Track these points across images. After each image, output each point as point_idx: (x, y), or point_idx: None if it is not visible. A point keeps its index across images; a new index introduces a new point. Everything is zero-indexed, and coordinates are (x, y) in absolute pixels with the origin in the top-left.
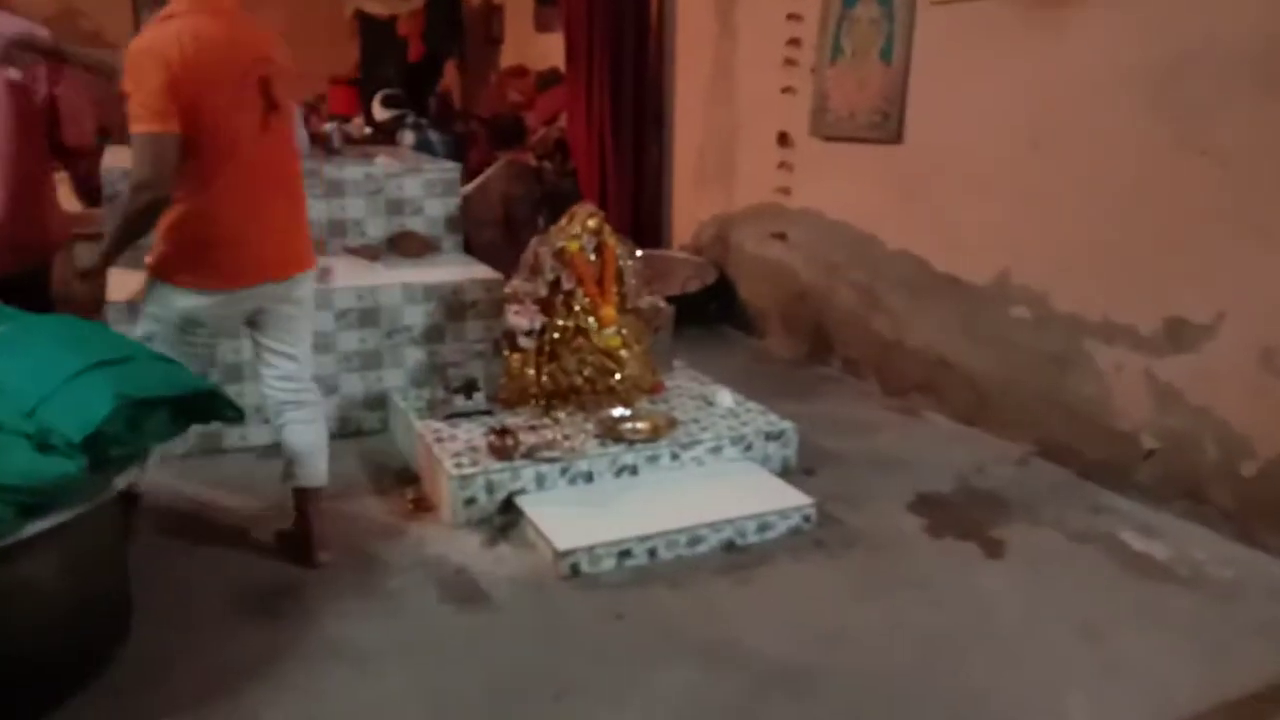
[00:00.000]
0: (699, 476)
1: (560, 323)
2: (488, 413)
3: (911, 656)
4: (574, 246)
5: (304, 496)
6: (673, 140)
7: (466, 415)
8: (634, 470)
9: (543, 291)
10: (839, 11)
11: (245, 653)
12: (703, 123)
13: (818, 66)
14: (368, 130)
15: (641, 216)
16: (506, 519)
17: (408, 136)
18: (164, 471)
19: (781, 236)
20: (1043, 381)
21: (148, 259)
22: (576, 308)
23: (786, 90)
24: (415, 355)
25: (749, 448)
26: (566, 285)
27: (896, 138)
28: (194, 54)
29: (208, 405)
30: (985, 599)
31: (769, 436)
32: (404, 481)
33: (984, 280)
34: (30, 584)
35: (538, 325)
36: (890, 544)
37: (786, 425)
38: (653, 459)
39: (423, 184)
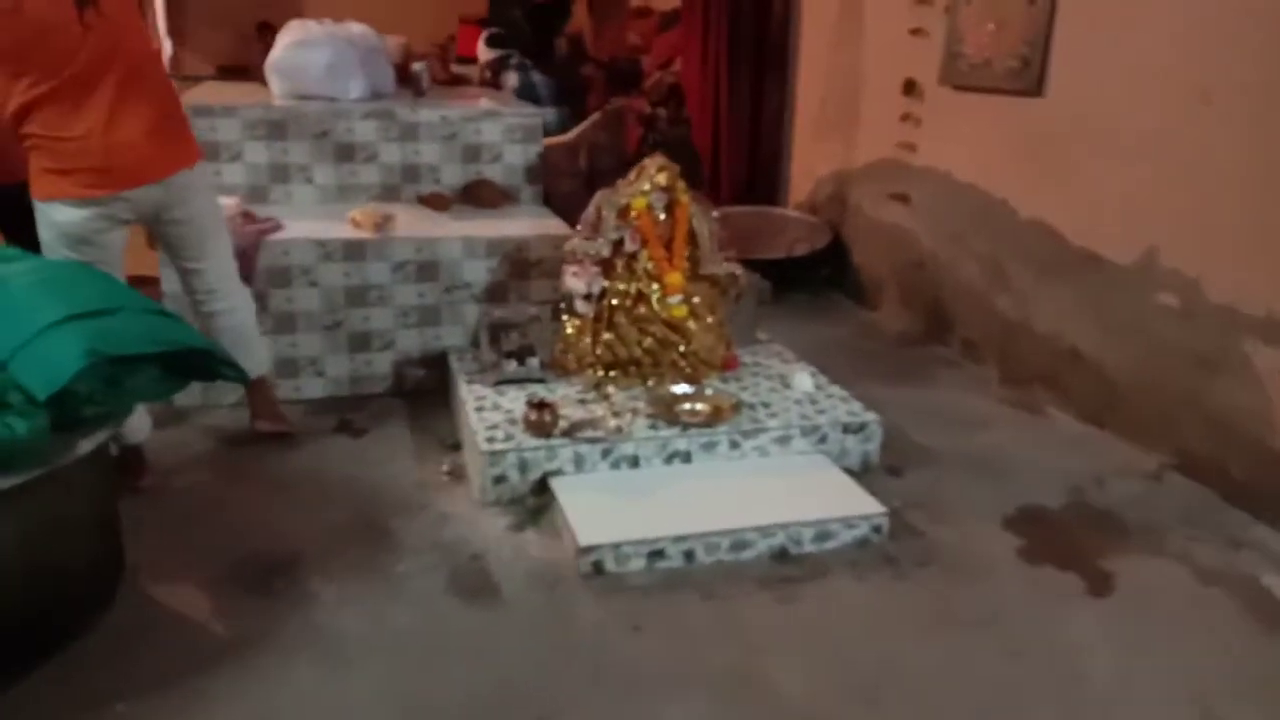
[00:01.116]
0: (759, 470)
1: (621, 287)
2: (541, 381)
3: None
4: (641, 203)
5: (247, 387)
6: (795, 87)
7: (517, 382)
8: (686, 457)
9: (604, 252)
10: None
11: (226, 632)
12: (826, 68)
13: (951, 5)
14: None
15: (757, 170)
16: (539, 502)
17: (511, 78)
18: (206, 420)
19: (903, 198)
20: (1187, 383)
21: None
22: (640, 271)
23: (916, 32)
24: (475, 313)
25: (823, 440)
26: (630, 246)
27: (1036, 89)
28: None
29: (202, 363)
30: (1077, 650)
31: (847, 429)
32: (447, 449)
33: (1127, 259)
34: None
35: (596, 289)
36: (973, 567)
37: (869, 417)
38: (709, 446)
39: (502, 129)
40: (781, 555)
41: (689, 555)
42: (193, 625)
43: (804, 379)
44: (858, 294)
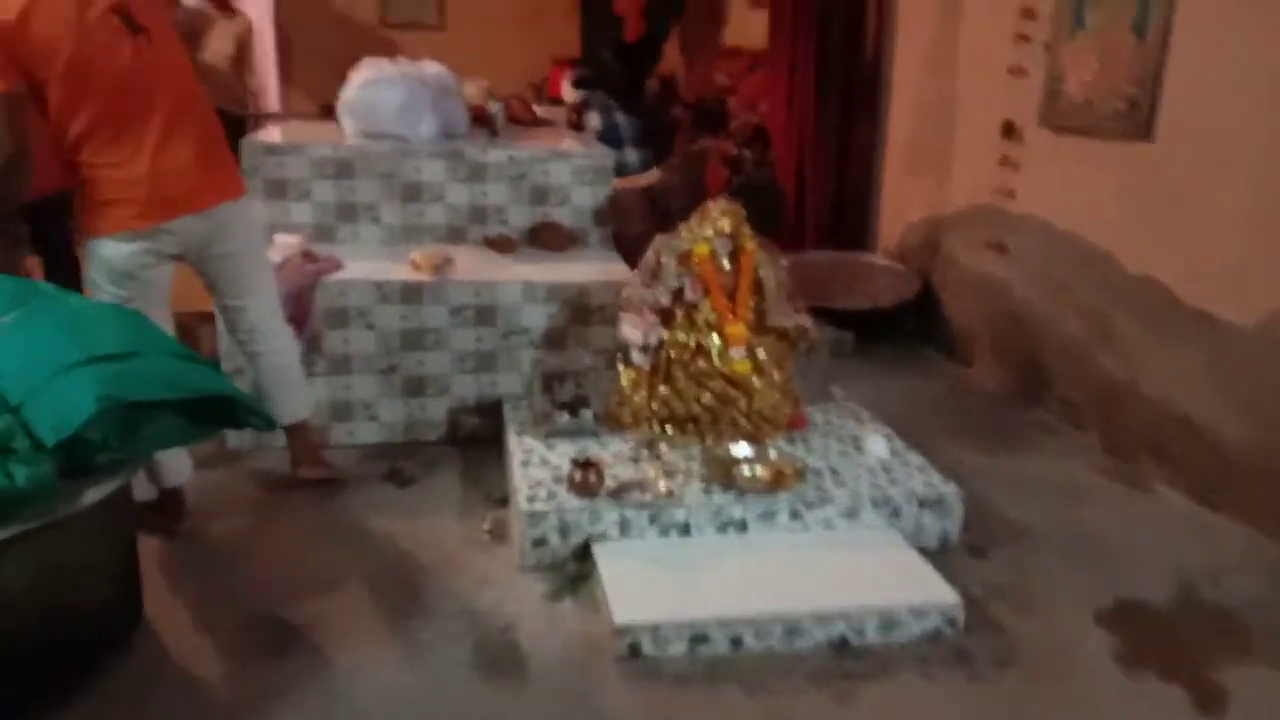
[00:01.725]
0: (822, 546)
1: (679, 338)
2: (593, 435)
3: None
4: (702, 250)
5: (289, 430)
6: (886, 129)
7: (569, 435)
8: (742, 527)
9: (663, 301)
10: None
11: (234, 694)
12: (919, 108)
13: (1053, 42)
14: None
15: (844, 214)
16: (581, 569)
17: (594, 119)
18: (255, 463)
19: (999, 247)
20: None
21: None
22: (700, 322)
23: (1015, 71)
24: (533, 360)
25: (896, 514)
26: (691, 295)
27: (1145, 132)
28: (23, 4)
29: (227, 410)
30: None
31: (923, 502)
32: (492, 504)
33: (1247, 321)
34: None
35: (654, 340)
36: (1061, 671)
37: (948, 490)
38: (767, 516)
39: (571, 171)
40: (841, 646)
41: (736, 642)
42: (202, 684)
43: (878, 443)
44: (949, 348)
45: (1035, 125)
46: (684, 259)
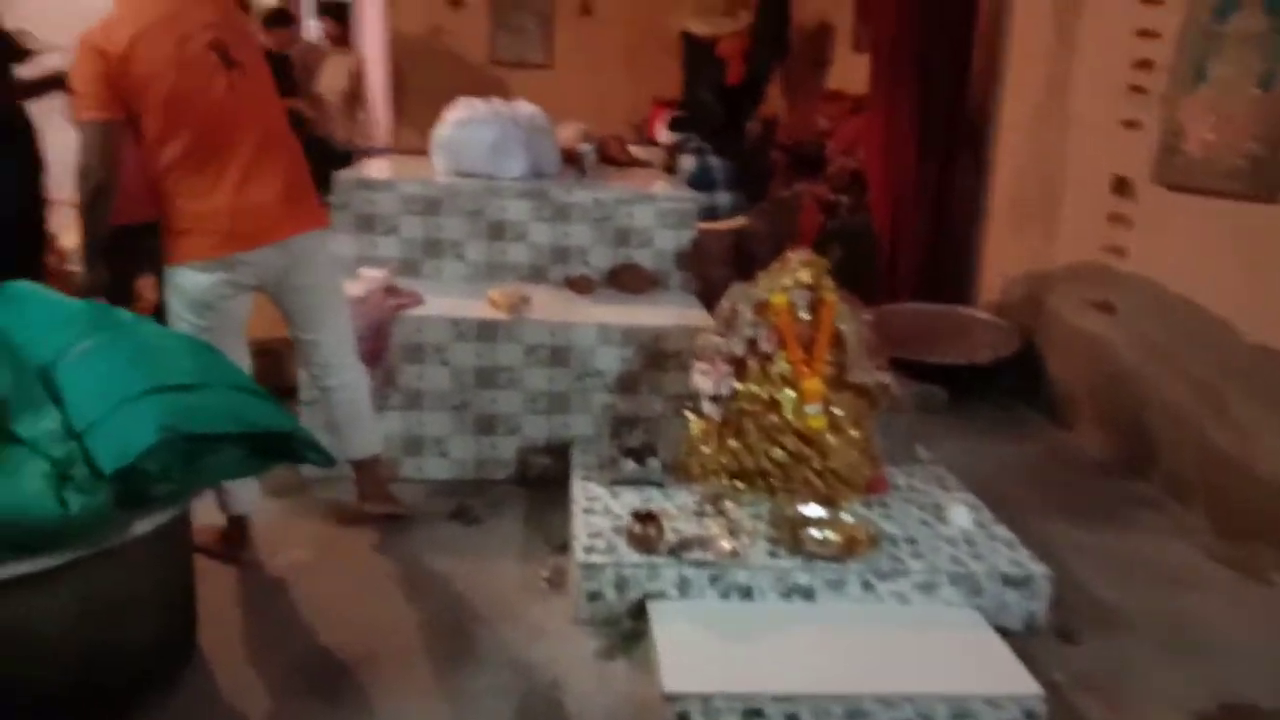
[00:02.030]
0: (894, 621)
1: (751, 389)
2: (659, 485)
3: None
4: (780, 300)
5: (357, 465)
6: (990, 178)
7: (634, 484)
8: (809, 594)
9: (737, 351)
10: (1206, 25)
11: None
12: (1026, 159)
13: (1170, 95)
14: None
15: (942, 264)
16: (636, 627)
17: (687, 162)
18: (327, 492)
19: (1107, 307)
20: None
21: None
22: (775, 375)
23: (1129, 124)
24: (605, 403)
25: (976, 591)
26: (765, 347)
27: (1270, 194)
28: (128, 39)
29: (286, 445)
30: None
31: (1008, 580)
32: (553, 550)
33: None
34: (23, 626)
35: (725, 390)
36: None
37: (1037, 570)
38: (836, 584)
39: (655, 213)
40: None
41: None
42: None
43: (961, 513)
44: (1050, 410)
45: (1149, 181)
46: (760, 309)
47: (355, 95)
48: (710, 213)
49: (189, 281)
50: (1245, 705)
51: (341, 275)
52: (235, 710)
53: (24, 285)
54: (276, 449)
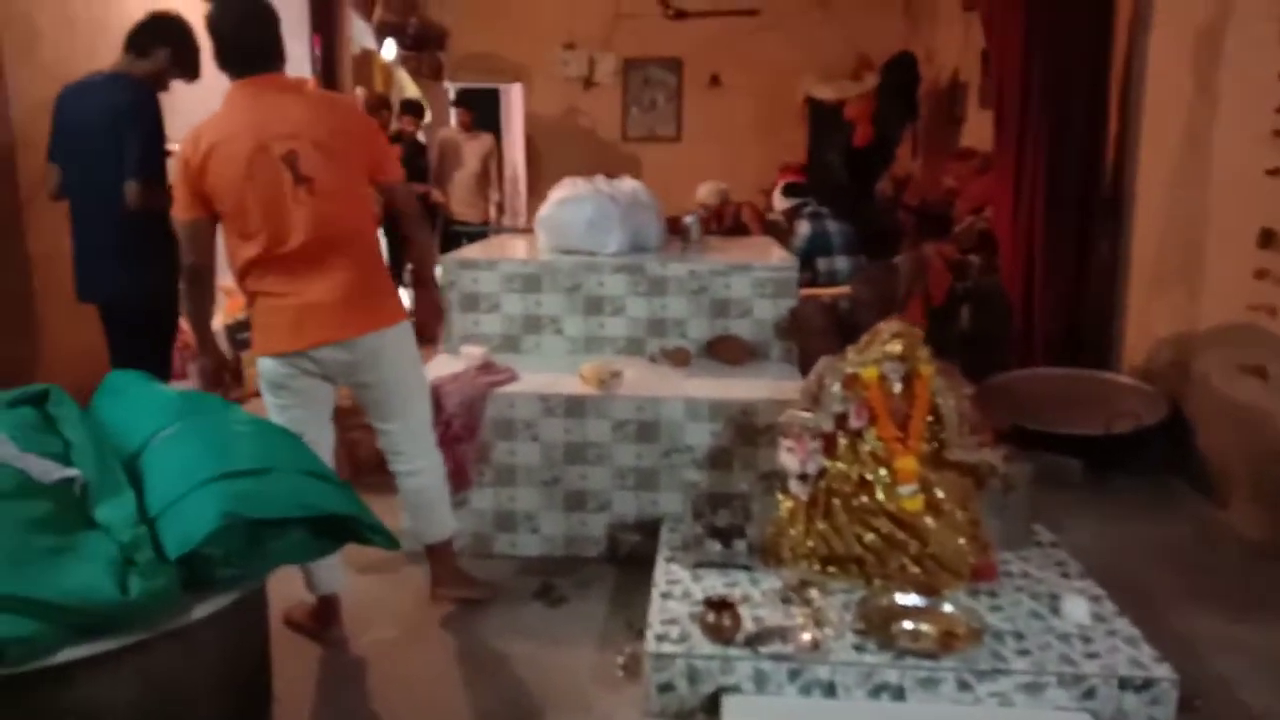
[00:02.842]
0: None
1: (840, 468)
2: (745, 569)
3: None
4: (870, 373)
5: (429, 550)
6: (1130, 235)
7: (719, 567)
8: (899, 694)
9: (825, 426)
10: None
11: None
12: (1167, 214)
13: None
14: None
15: (1081, 326)
16: None
17: (803, 227)
18: (417, 567)
19: (1260, 372)
20: None
21: None
22: (864, 454)
23: (1274, 173)
24: (686, 481)
25: (1090, 694)
26: (856, 423)
27: None
28: (207, 147)
29: (350, 528)
30: None
31: (1125, 684)
32: (634, 634)
33: None
34: (85, 709)
35: (813, 469)
36: None
37: (1161, 673)
38: (929, 683)
39: (752, 283)
40: None
41: None
42: None
43: (1078, 606)
44: (1203, 484)
45: None
46: (850, 382)
47: (486, 177)
48: (829, 279)
49: (265, 367)
50: None
51: (417, 367)
52: None
53: (126, 375)
54: (341, 531)
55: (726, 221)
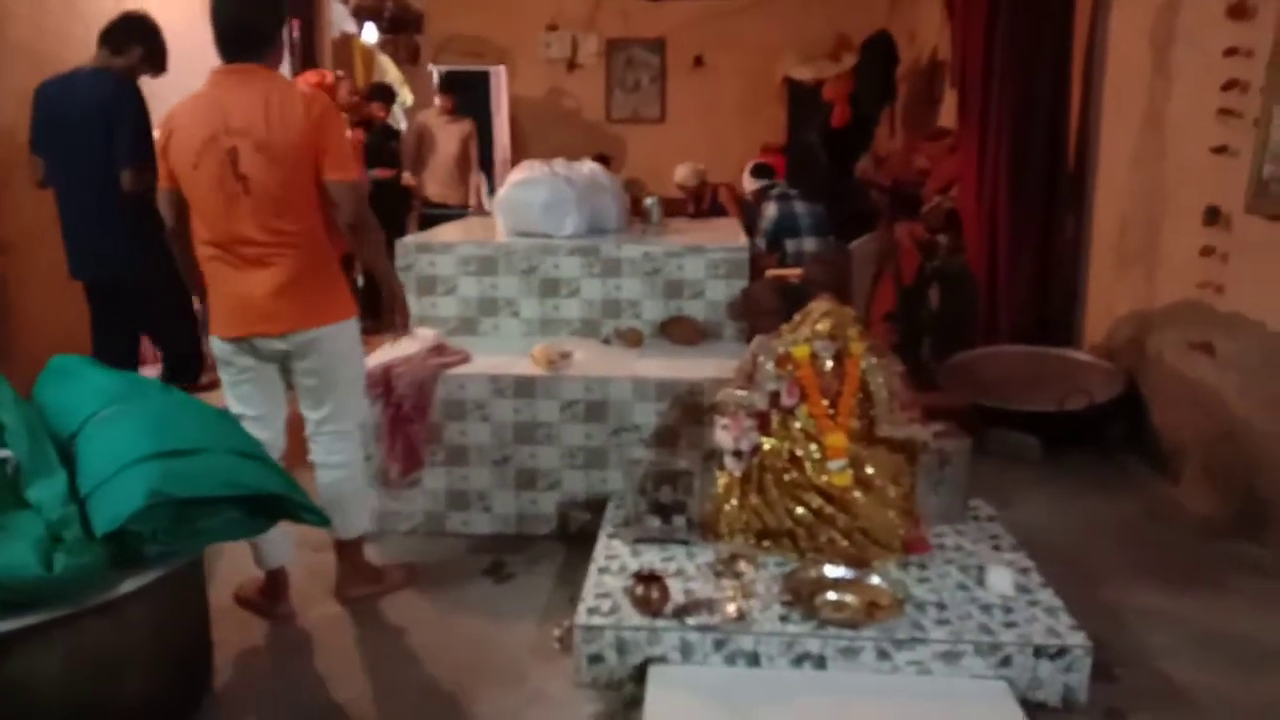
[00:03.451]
0: (909, 694)
1: (771, 445)
2: (683, 543)
3: None
4: (802, 352)
5: (337, 545)
6: (1093, 213)
7: (658, 542)
8: (820, 662)
9: (759, 405)
10: None
11: None
12: (1126, 192)
13: (1264, 117)
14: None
15: (1047, 306)
16: (638, 691)
17: (770, 209)
18: (377, 546)
19: (1207, 348)
20: None
21: None
22: (796, 430)
23: (1219, 150)
24: (627, 459)
25: (1005, 663)
26: (788, 401)
27: None
28: (172, 126)
29: (281, 507)
30: None
31: (1040, 652)
32: (574, 608)
33: None
34: (18, 681)
35: (747, 446)
36: None
37: (1075, 640)
38: (850, 652)
39: (705, 265)
40: None
41: None
42: None
43: (1002, 577)
44: (1157, 461)
45: (1243, 211)
46: (782, 361)
47: (466, 160)
48: (797, 260)
49: (215, 345)
50: None
51: (352, 365)
52: None
53: (69, 360)
54: (274, 510)
55: (704, 203)
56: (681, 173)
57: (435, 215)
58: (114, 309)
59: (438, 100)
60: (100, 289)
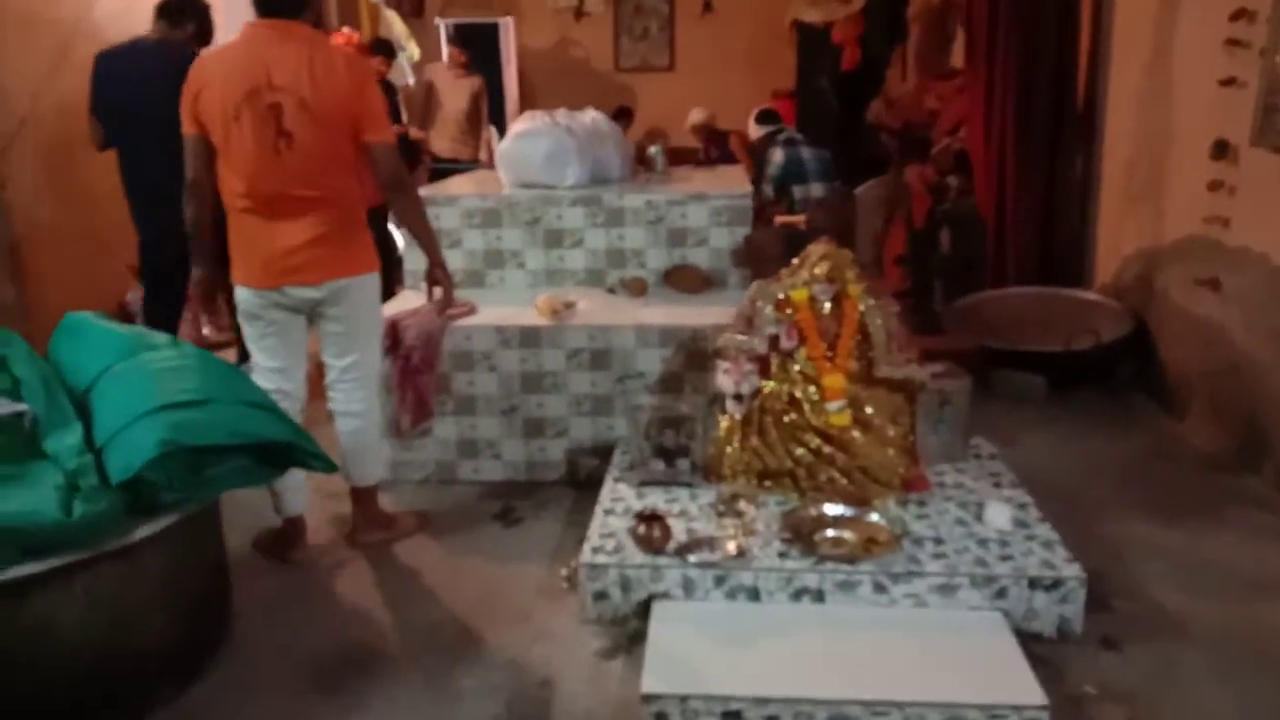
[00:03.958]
0: (905, 626)
1: (770, 387)
2: (688, 486)
3: None
4: (800, 295)
5: (353, 492)
6: (1101, 153)
7: (663, 485)
8: (819, 596)
9: (759, 348)
10: None
11: None
12: (1134, 130)
13: (1271, 47)
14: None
15: (1055, 246)
16: (642, 627)
17: (777, 155)
18: (389, 495)
19: (1213, 284)
20: None
21: None
22: (795, 373)
23: (1227, 82)
24: (631, 405)
25: (1001, 594)
26: (786, 344)
27: None
28: (206, 75)
29: (290, 454)
30: None
31: (1035, 583)
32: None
33: None
34: (40, 623)
35: (747, 389)
36: None
37: (1070, 572)
38: (847, 586)
39: (709, 212)
40: None
41: None
42: (245, 717)
43: (1000, 512)
44: (1163, 399)
45: (1249, 145)
46: (781, 305)
47: (477, 114)
48: (805, 206)
49: (241, 297)
50: None
51: (374, 317)
52: (244, 697)
53: (81, 317)
54: (283, 458)
55: (714, 151)
56: (694, 116)
57: (445, 169)
58: (169, 272)
59: (447, 53)
60: (158, 249)
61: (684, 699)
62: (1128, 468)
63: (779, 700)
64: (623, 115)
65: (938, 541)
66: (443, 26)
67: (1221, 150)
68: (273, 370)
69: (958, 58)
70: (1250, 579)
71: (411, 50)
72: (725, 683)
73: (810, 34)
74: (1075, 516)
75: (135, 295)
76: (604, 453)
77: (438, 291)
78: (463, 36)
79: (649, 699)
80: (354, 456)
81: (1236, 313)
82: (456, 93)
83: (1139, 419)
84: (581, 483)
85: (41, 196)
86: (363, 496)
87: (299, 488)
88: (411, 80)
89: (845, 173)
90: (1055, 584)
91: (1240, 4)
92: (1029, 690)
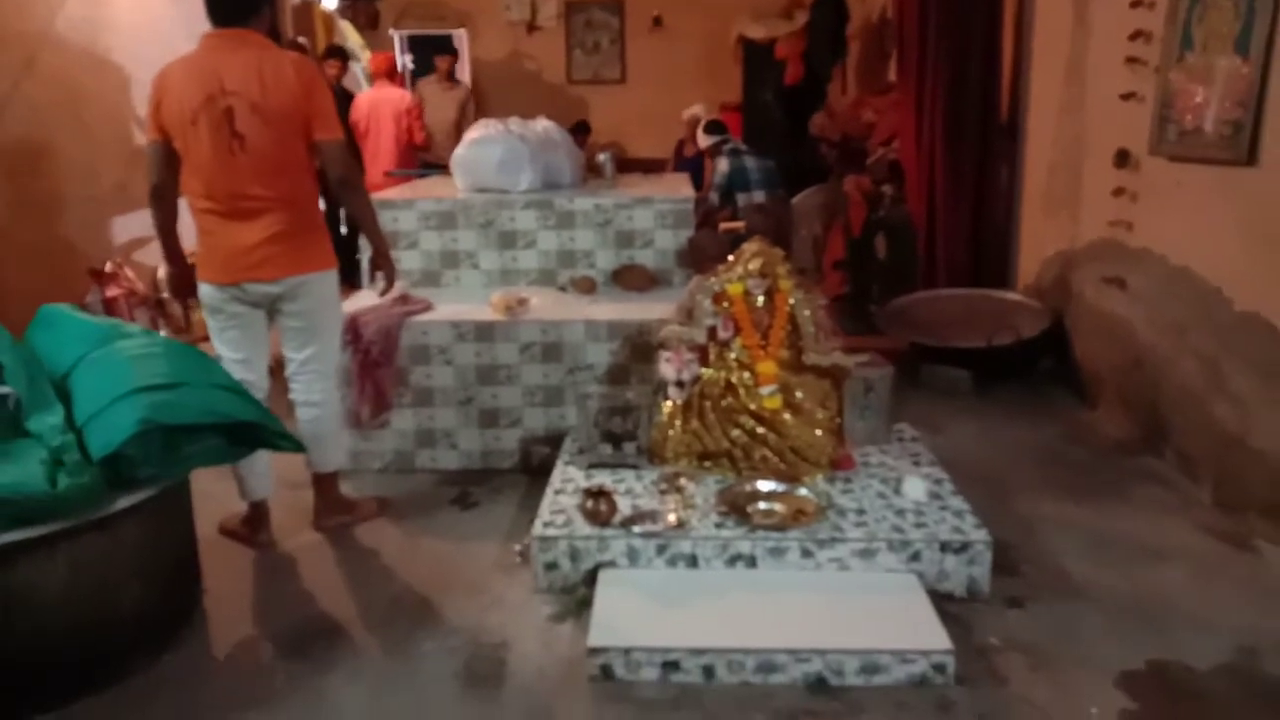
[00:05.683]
0: (829, 586)
1: (709, 374)
2: (633, 467)
3: None
4: (736, 289)
5: (315, 478)
6: (1024, 160)
7: (610, 467)
8: (751, 562)
9: (699, 339)
10: None
11: (242, 695)
12: (1052, 139)
13: (1164, 64)
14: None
15: (985, 249)
16: (589, 593)
17: (722, 164)
18: (351, 482)
19: (1119, 283)
20: None
21: None
22: (731, 360)
23: (1127, 97)
24: (580, 395)
25: (915, 558)
26: (723, 334)
27: (1248, 157)
28: (167, 84)
29: (259, 435)
30: None
31: (946, 547)
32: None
33: None
34: (23, 588)
35: (688, 377)
36: None
37: (977, 536)
38: (776, 552)
39: (654, 215)
40: (819, 685)
41: (708, 671)
42: (215, 685)
43: (916, 485)
44: (1078, 390)
45: (1147, 153)
46: (718, 298)
47: (462, 124)
48: (747, 213)
49: (204, 292)
50: (1176, 665)
51: (333, 310)
52: (207, 672)
53: (57, 308)
54: (252, 438)
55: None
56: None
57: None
58: None
59: (436, 63)
60: None
61: (627, 651)
62: (1044, 453)
63: (713, 650)
64: (581, 130)
65: (860, 512)
66: (397, 38)
67: (1123, 159)
68: (236, 362)
69: (894, 74)
70: (1151, 549)
71: (366, 60)
72: (665, 636)
73: (755, 50)
74: (995, 495)
75: (94, 297)
76: (556, 441)
77: (380, 277)
78: (441, 45)
79: (595, 652)
80: (315, 444)
81: (1140, 310)
82: (444, 104)
83: (1055, 409)
84: (535, 470)
85: (4, 200)
86: (324, 482)
87: (264, 472)
88: (363, 89)
89: (789, 182)
90: (964, 547)
91: (1138, 25)
92: (937, 638)
